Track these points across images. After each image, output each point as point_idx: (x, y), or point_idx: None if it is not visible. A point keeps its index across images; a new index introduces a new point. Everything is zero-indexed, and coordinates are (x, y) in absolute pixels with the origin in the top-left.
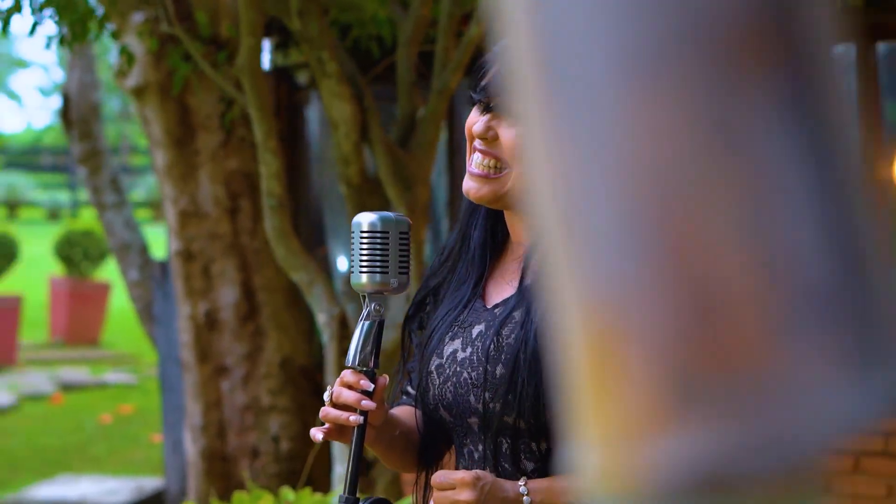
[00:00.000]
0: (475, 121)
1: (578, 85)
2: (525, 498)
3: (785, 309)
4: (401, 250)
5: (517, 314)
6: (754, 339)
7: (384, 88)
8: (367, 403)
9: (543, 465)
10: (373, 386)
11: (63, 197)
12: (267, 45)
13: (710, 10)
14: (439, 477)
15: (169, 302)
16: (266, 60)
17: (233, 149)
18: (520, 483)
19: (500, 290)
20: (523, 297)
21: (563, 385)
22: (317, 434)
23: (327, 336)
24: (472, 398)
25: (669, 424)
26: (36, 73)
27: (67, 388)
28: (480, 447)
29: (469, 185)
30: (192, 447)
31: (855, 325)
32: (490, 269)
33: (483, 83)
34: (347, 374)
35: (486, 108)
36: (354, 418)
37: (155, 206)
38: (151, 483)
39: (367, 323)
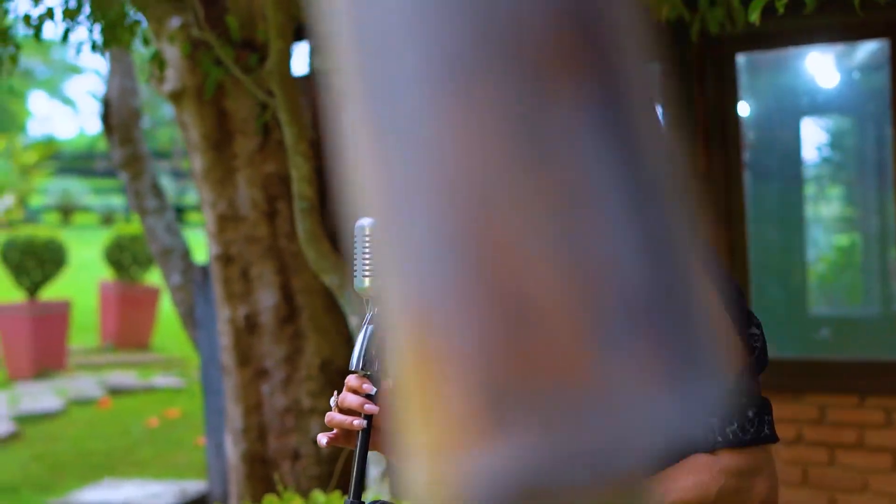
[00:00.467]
0: None
1: (394, 95)
2: None
3: (601, 321)
4: None
5: None
6: (570, 351)
7: None
8: (371, 407)
9: None
10: (375, 389)
11: (117, 202)
12: (307, 48)
13: (519, 20)
14: None
15: (211, 306)
16: (305, 63)
17: (270, 152)
18: None
19: None
20: None
21: (396, 397)
22: (322, 439)
23: None
24: None
25: (485, 437)
26: (90, 79)
27: (115, 392)
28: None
29: None
30: (233, 450)
31: (673, 336)
32: None
33: None
34: (351, 379)
35: None
36: (358, 422)
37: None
38: (195, 486)
39: (370, 327)
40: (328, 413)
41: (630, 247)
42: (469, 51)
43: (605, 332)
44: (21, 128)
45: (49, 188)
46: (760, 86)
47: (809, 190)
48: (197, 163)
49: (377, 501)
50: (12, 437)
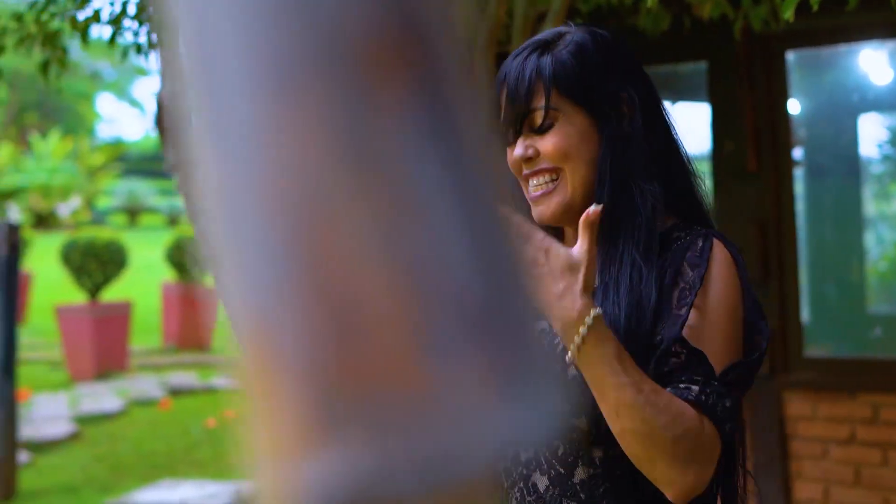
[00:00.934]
0: (512, 151)
1: (224, 98)
2: (588, 319)
3: (434, 327)
4: None
5: None
6: (402, 357)
7: None
8: None
9: (599, 474)
10: None
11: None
12: None
13: (343, 25)
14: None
15: None
16: None
17: None
18: (595, 309)
19: None
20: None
21: (237, 404)
22: None
23: None
24: None
25: (317, 446)
26: (156, 81)
27: (176, 392)
28: (534, 450)
29: (538, 211)
30: None
31: (507, 343)
32: None
33: (501, 114)
34: None
35: (515, 134)
36: None
37: None
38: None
39: None
40: None
41: (460, 252)
42: (296, 55)
43: (438, 338)
44: (90, 130)
45: (116, 190)
46: (815, 83)
47: (868, 187)
48: None
49: None
50: (73, 438)
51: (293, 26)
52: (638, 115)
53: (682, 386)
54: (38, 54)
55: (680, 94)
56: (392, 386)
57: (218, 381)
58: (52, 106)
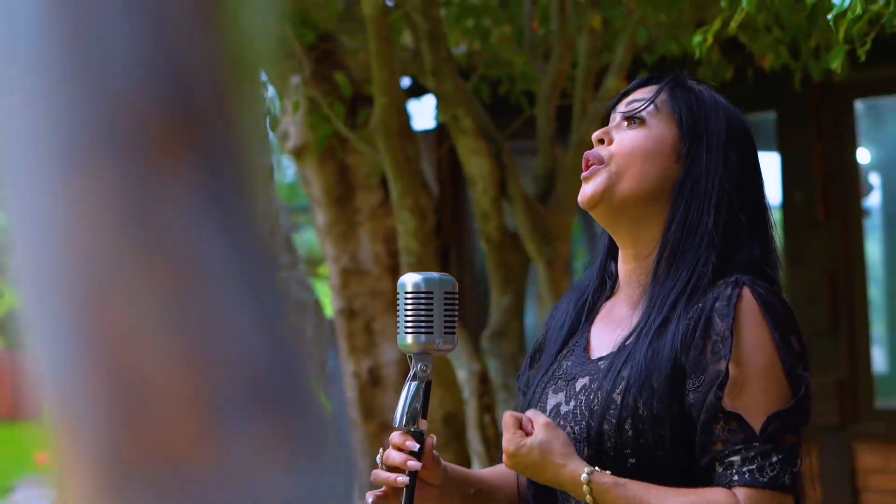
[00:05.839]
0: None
1: (18, 181)
2: (584, 487)
3: (220, 399)
4: (446, 310)
5: (625, 372)
6: (189, 431)
7: (523, 144)
8: (413, 464)
9: None
10: (419, 446)
11: None
12: (432, 102)
13: (126, 107)
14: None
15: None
16: (430, 118)
17: (392, 207)
18: (586, 468)
19: (606, 341)
20: (629, 352)
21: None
22: (368, 497)
23: (468, 392)
24: None
25: None
26: None
27: None
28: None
29: (581, 192)
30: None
31: (292, 413)
32: (597, 314)
33: (628, 98)
34: (395, 436)
35: (620, 118)
36: (401, 479)
37: (313, 262)
38: None
39: (413, 384)
40: (374, 471)
41: (246, 325)
42: (83, 138)
43: (224, 407)
44: None
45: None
46: (888, 131)
47: None
48: (320, 218)
49: None
50: None
51: (79, 110)
52: (730, 177)
53: (726, 461)
54: None
55: None
56: (180, 458)
57: None
58: None
